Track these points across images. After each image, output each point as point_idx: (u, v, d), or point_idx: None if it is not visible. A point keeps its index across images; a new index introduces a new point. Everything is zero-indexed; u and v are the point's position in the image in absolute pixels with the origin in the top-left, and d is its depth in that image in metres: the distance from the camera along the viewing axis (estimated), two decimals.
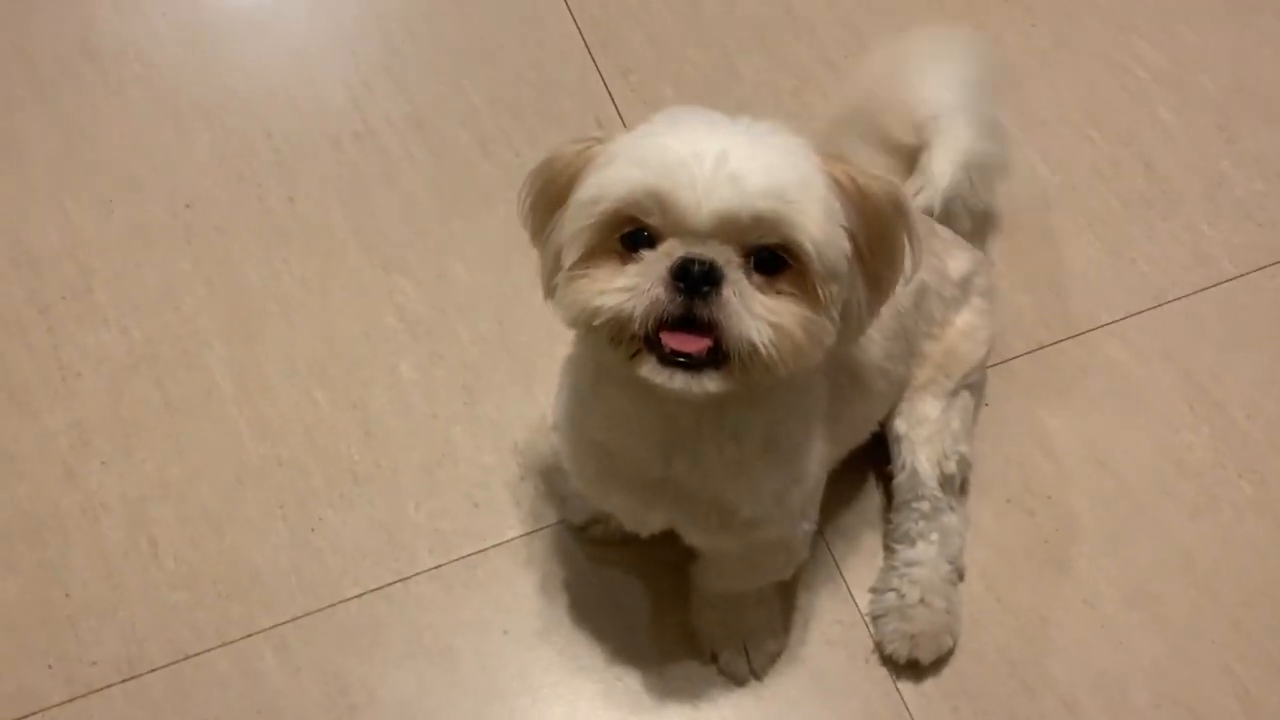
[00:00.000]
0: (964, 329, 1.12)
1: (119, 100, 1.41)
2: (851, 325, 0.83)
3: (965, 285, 1.12)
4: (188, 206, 1.34)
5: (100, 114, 1.40)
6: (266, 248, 1.33)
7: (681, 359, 0.77)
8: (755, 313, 0.76)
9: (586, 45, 1.46)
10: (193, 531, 1.18)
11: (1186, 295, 1.32)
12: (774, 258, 0.77)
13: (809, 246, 0.75)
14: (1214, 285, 1.33)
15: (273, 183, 1.36)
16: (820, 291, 0.77)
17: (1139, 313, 1.31)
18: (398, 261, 1.32)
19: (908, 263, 0.84)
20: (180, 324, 1.28)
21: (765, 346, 0.76)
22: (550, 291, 0.84)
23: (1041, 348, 1.30)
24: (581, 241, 0.78)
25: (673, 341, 0.76)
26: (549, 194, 0.84)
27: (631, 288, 0.76)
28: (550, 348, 1.23)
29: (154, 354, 1.26)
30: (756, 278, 0.77)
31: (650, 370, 0.77)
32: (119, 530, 1.17)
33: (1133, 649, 1.16)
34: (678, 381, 0.77)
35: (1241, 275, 1.34)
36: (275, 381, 1.25)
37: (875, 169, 0.84)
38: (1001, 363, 1.26)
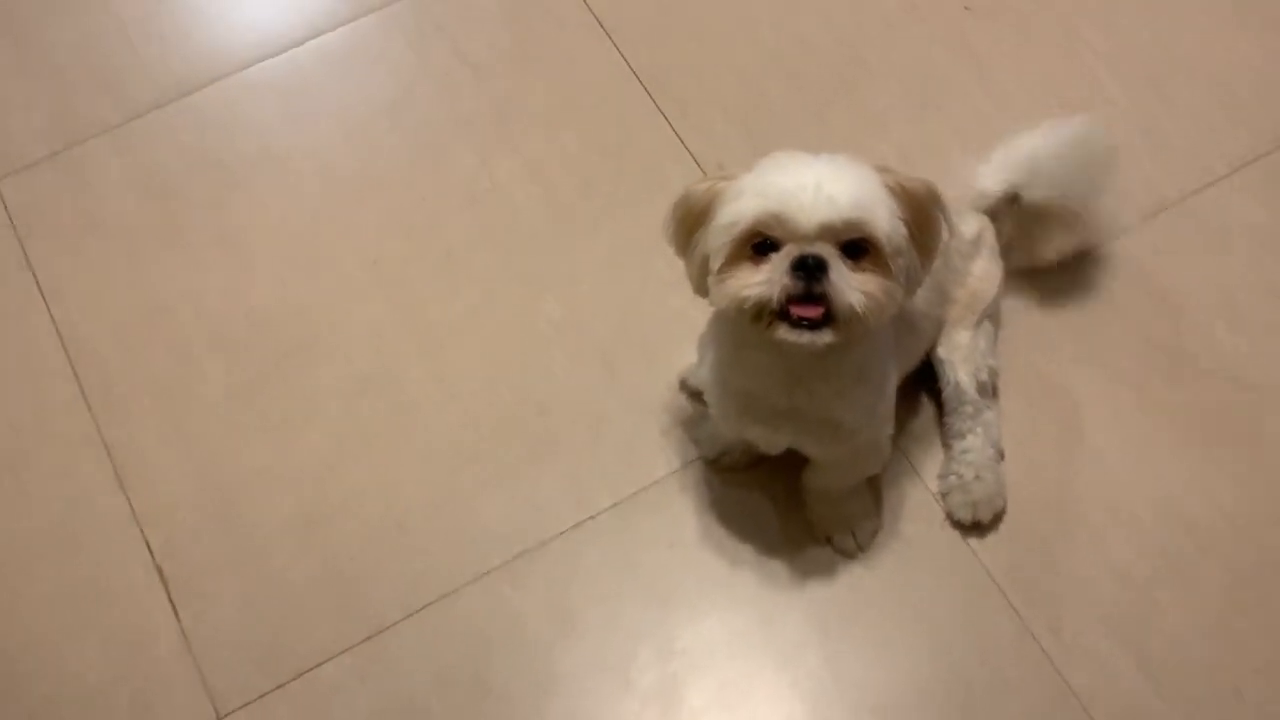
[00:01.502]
0: (980, 274, 1.51)
1: (304, 189, 1.80)
2: (911, 284, 1.20)
3: (977, 242, 1.50)
4: (375, 262, 1.73)
5: (291, 198, 1.79)
6: (439, 286, 1.70)
7: (805, 323, 1.15)
8: (851, 286, 1.13)
9: (649, 94, 1.84)
10: (429, 504, 1.55)
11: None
12: (857, 247, 1.14)
13: (881, 237, 1.13)
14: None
15: (432, 238, 1.75)
16: (891, 266, 1.15)
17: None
18: (538, 282, 1.70)
19: (945, 234, 1.22)
20: (386, 354, 1.66)
21: (861, 308, 1.14)
22: (702, 289, 1.22)
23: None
24: (725, 252, 1.16)
25: (800, 311, 1.14)
26: (689, 220, 1.22)
27: (767, 280, 1.14)
28: (667, 328, 1.64)
29: (372, 380, 1.64)
30: (848, 262, 1.14)
31: (785, 333, 1.15)
32: (374, 510, 1.55)
33: (1135, 485, 1.53)
34: (805, 339, 1.15)
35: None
36: (466, 385, 1.63)
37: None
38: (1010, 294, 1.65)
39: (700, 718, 1.43)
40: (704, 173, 1.75)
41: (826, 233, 1.13)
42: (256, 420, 1.62)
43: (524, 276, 1.71)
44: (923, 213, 1.19)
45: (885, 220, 1.14)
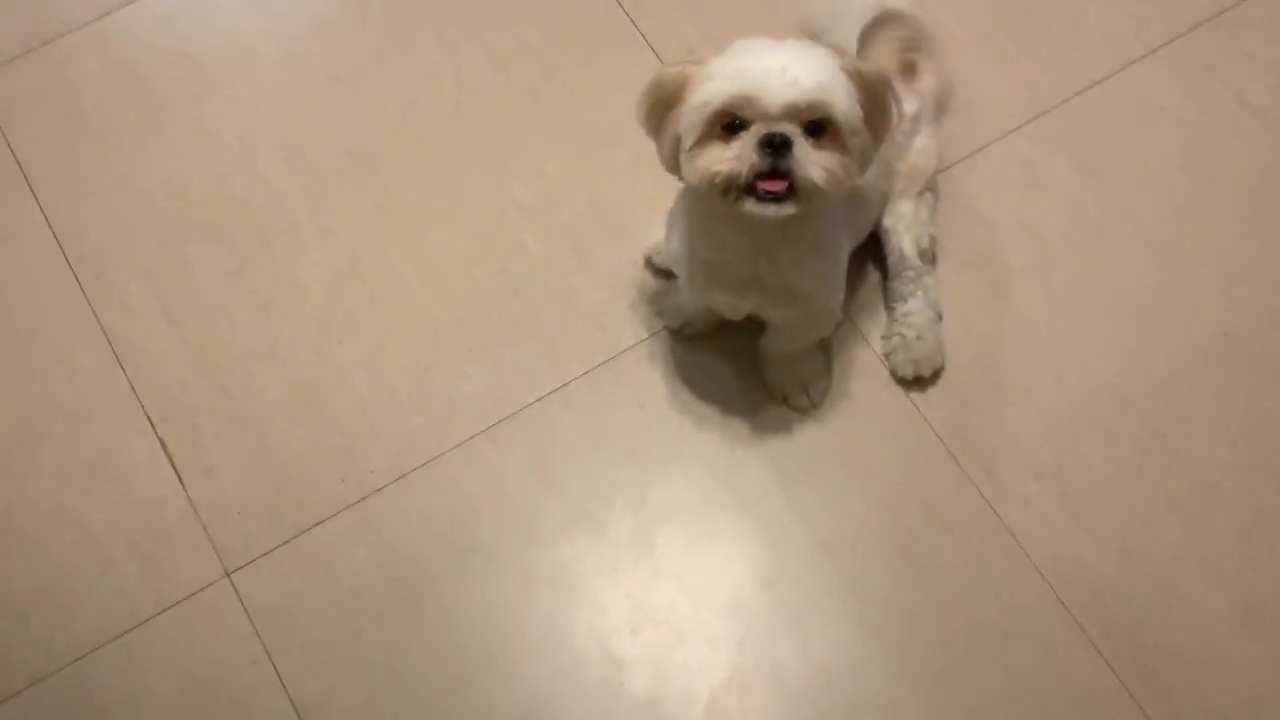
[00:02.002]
0: (920, 149, 1.63)
1: (275, 82, 1.87)
2: (864, 161, 1.31)
3: (916, 120, 1.63)
4: (349, 154, 1.81)
5: (262, 91, 1.86)
6: (412, 174, 1.79)
7: (770, 196, 1.26)
8: (813, 162, 1.24)
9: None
10: (415, 377, 1.67)
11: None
12: (818, 127, 1.24)
13: (840, 117, 1.24)
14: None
15: (403, 129, 1.83)
16: (848, 144, 1.26)
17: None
18: (506, 169, 1.80)
19: (894, 117, 1.34)
20: (367, 239, 1.76)
21: (822, 182, 1.25)
22: (673, 167, 1.33)
23: (970, 155, 1.81)
24: (697, 131, 1.27)
25: (766, 185, 1.25)
26: (661, 103, 1.31)
27: (736, 157, 1.24)
28: (631, 210, 1.76)
29: (354, 262, 1.74)
30: (809, 140, 1.25)
31: (751, 206, 1.26)
32: (364, 383, 1.67)
33: (1061, 345, 1.68)
34: (769, 211, 1.26)
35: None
36: (443, 267, 1.73)
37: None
38: (946, 169, 1.78)
39: (673, 558, 1.58)
40: (661, 61, 1.85)
41: (791, 113, 1.24)
42: (246, 301, 1.72)
43: (493, 163, 1.81)
44: (876, 97, 1.30)
45: (844, 102, 1.25)
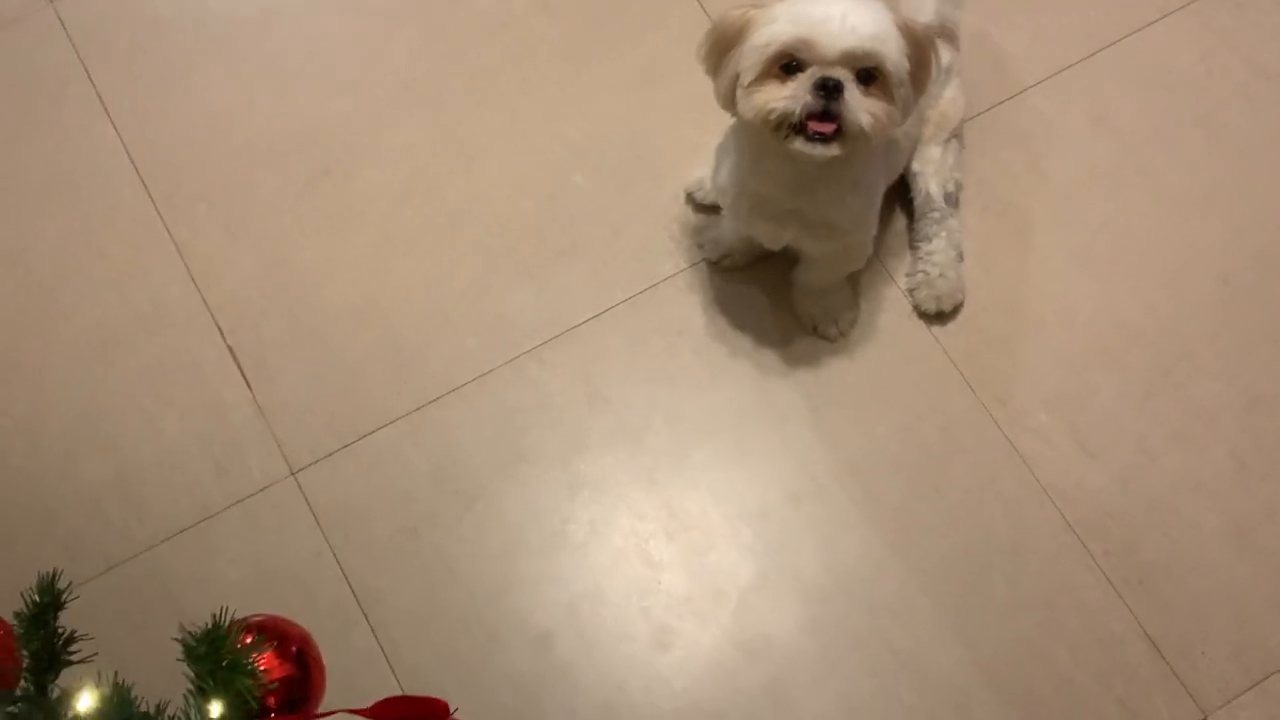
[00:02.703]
0: (949, 99, 1.73)
1: (337, 14, 1.98)
2: (905, 111, 1.41)
3: (948, 70, 1.73)
4: (407, 86, 1.92)
5: (324, 23, 1.97)
6: (467, 109, 1.89)
7: (819, 136, 1.36)
8: (862, 108, 1.34)
9: None
10: (468, 298, 1.78)
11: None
12: (869, 75, 1.34)
13: (890, 67, 1.34)
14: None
15: (458, 65, 1.93)
16: (894, 94, 1.36)
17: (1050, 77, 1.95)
18: (555, 107, 1.90)
19: (935, 71, 1.44)
20: (423, 168, 1.87)
21: (868, 126, 1.35)
22: (729, 104, 1.42)
23: (994, 106, 1.92)
24: (756, 70, 1.36)
25: (816, 126, 1.35)
26: (723, 42, 1.41)
27: (791, 96, 1.34)
28: (673, 148, 1.86)
29: (411, 188, 1.85)
30: (860, 87, 1.35)
31: (801, 145, 1.36)
32: (420, 302, 1.78)
33: (1075, 286, 1.79)
34: (816, 150, 1.36)
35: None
36: (495, 197, 1.84)
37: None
38: (971, 118, 1.88)
39: (707, 471, 1.69)
40: (703, 9, 1.95)
41: (846, 59, 1.33)
42: (309, 222, 1.83)
43: (542, 101, 1.92)
44: (921, 51, 1.39)
45: (895, 53, 1.35)
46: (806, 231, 1.58)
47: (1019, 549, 1.66)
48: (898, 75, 1.36)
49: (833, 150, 1.37)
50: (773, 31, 1.35)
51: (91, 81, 1.91)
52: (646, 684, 1.59)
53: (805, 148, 1.37)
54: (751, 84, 1.37)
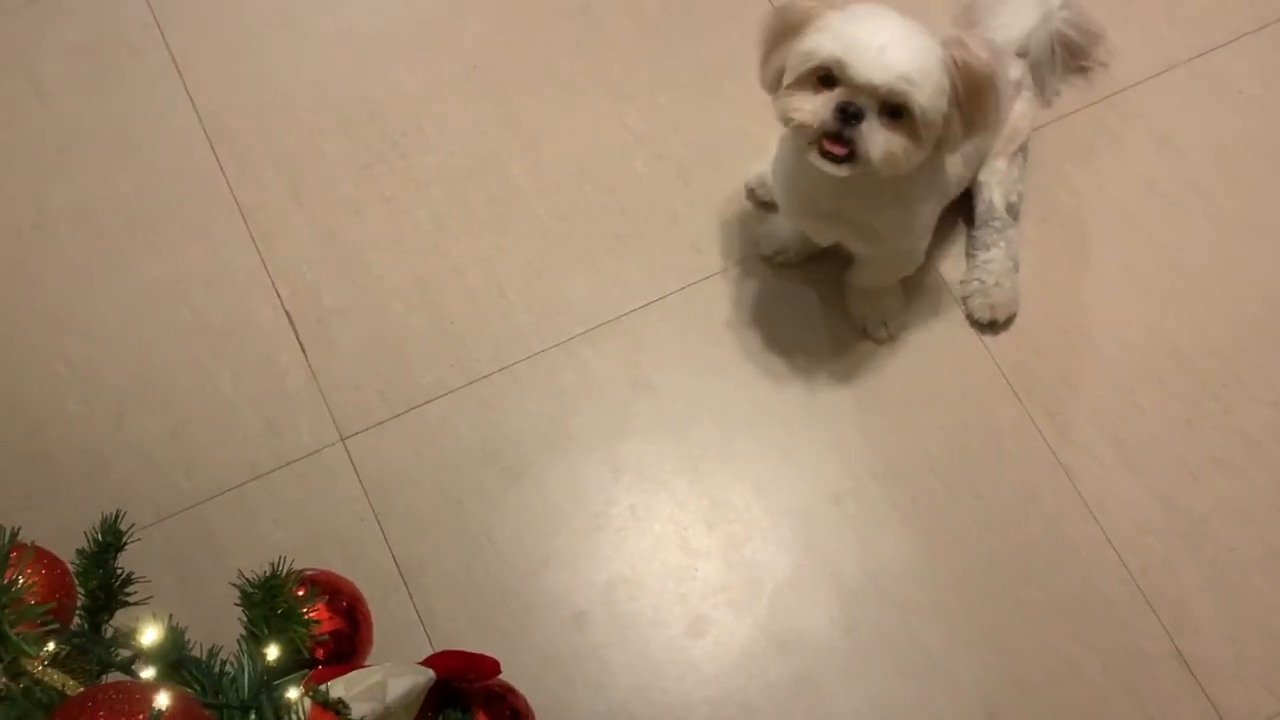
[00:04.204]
0: (1019, 112, 1.74)
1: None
2: (950, 144, 1.40)
3: (1018, 85, 1.74)
4: (475, 66, 1.95)
5: (405, 5, 1.99)
6: (533, 91, 1.92)
7: (831, 155, 1.38)
8: (877, 140, 1.34)
9: None
10: (524, 278, 1.81)
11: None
12: (896, 109, 1.34)
13: (916, 110, 1.33)
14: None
15: (528, 48, 1.96)
16: (920, 133, 1.36)
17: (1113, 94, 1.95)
18: (621, 94, 1.92)
19: (995, 114, 1.40)
20: (487, 147, 1.90)
21: (877, 159, 1.35)
22: (771, 89, 1.43)
23: (1059, 119, 1.92)
24: (795, 73, 1.37)
25: (829, 145, 1.36)
26: (781, 30, 1.41)
27: (814, 111, 1.35)
28: (736, 143, 1.88)
29: (474, 168, 1.88)
30: (884, 119, 1.34)
31: (814, 158, 1.38)
32: (477, 279, 1.80)
33: (1128, 304, 1.79)
34: (827, 167, 1.38)
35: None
36: (556, 180, 1.87)
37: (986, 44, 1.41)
38: (1036, 129, 1.88)
39: (749, 464, 1.71)
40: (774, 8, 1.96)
41: (872, 90, 1.34)
42: (372, 193, 1.85)
43: (609, 88, 1.93)
44: (978, 92, 1.37)
45: (926, 96, 1.33)
46: (851, 232, 1.59)
47: (1057, 559, 1.66)
48: (926, 118, 1.35)
49: (843, 171, 1.38)
50: (817, 42, 1.35)
51: (167, 44, 1.94)
52: (678, 669, 1.61)
53: (818, 161, 1.39)
54: (789, 86, 1.39)
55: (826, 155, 1.38)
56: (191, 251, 1.82)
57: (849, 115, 1.34)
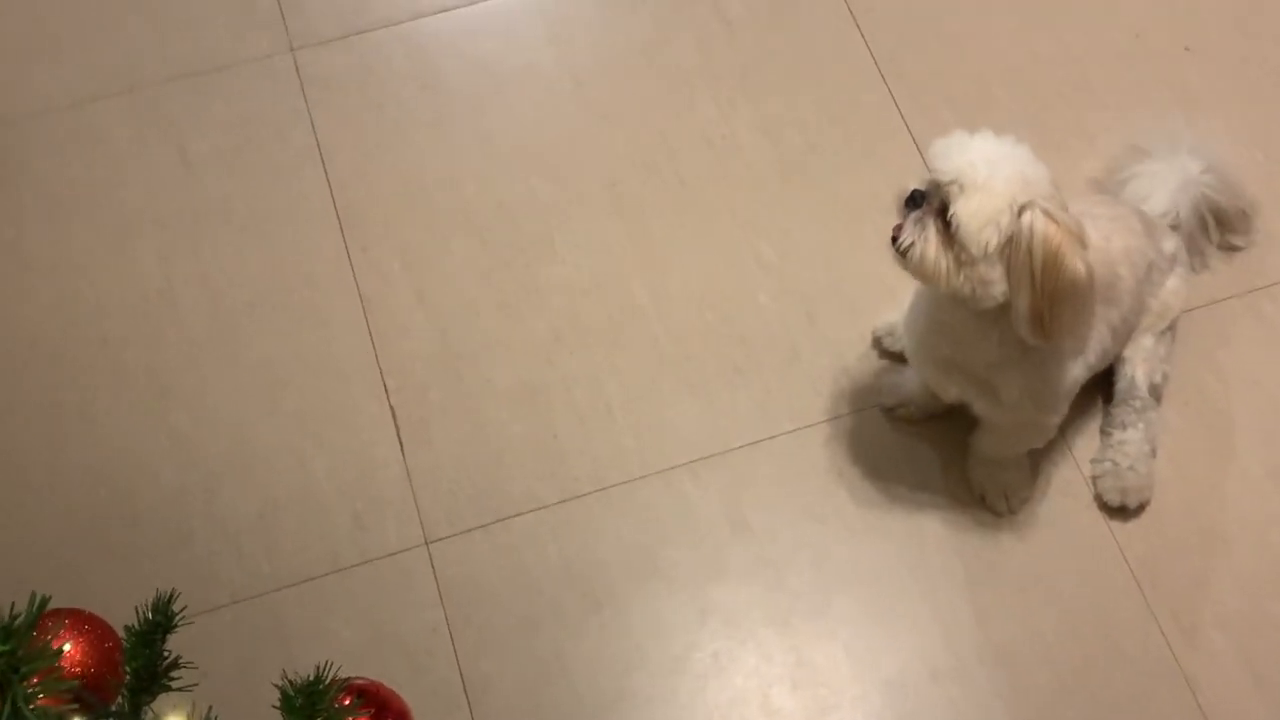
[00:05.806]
0: (1172, 289, 1.64)
1: (559, 108, 2.00)
2: (1016, 319, 1.33)
3: (1172, 259, 1.65)
4: (613, 184, 1.93)
5: (546, 113, 2.00)
6: (667, 214, 1.89)
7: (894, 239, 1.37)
8: (917, 234, 1.33)
9: (883, 78, 2.01)
10: (633, 399, 1.76)
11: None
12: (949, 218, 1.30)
13: (954, 221, 1.29)
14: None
15: (668, 170, 1.94)
16: (960, 256, 1.30)
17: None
18: (755, 226, 1.89)
19: (1081, 323, 1.38)
20: (612, 264, 1.87)
21: (905, 251, 1.34)
22: None
23: (1213, 303, 1.82)
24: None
25: (894, 229, 1.37)
26: None
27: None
28: (868, 287, 1.82)
29: (597, 283, 1.84)
30: (939, 222, 1.31)
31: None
32: (585, 395, 1.76)
33: (1269, 506, 1.67)
34: (892, 254, 1.37)
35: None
36: (678, 303, 1.82)
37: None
38: (1188, 310, 1.78)
39: (844, 624, 1.61)
40: (918, 149, 1.91)
41: (934, 180, 1.32)
42: (492, 298, 1.83)
43: (744, 218, 1.89)
44: (1054, 284, 1.29)
45: (969, 211, 1.28)
46: (970, 387, 1.52)
47: None
48: (963, 234, 1.29)
49: (898, 263, 1.37)
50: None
51: (314, 128, 1.96)
52: None
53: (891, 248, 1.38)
54: None
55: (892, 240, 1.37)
56: (306, 335, 1.81)
57: (912, 199, 1.34)
